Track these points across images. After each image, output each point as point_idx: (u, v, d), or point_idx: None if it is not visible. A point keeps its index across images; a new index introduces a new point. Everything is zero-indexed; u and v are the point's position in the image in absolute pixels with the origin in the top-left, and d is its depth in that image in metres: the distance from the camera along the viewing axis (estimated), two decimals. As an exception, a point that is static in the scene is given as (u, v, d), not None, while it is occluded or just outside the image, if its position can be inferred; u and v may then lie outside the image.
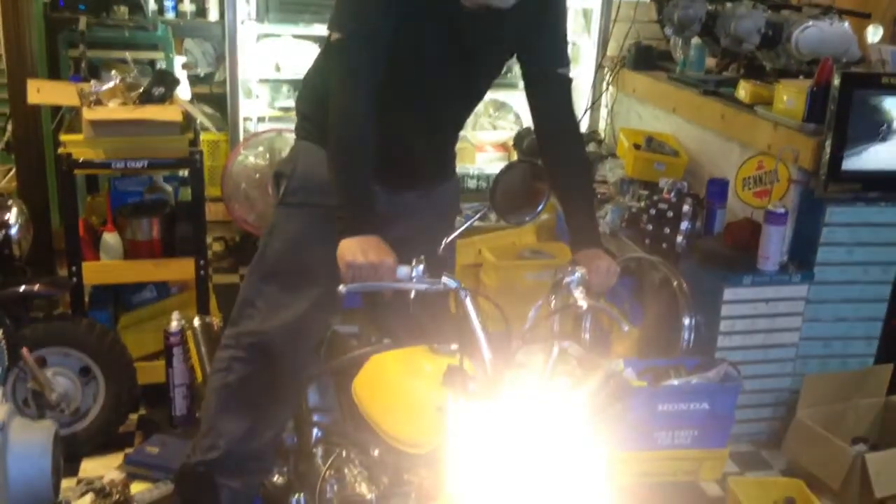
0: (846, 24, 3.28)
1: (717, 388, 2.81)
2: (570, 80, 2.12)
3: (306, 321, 2.05)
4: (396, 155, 2.04)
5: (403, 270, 1.65)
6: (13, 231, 2.71)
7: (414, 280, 1.63)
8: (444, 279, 1.64)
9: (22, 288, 2.75)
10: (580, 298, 1.71)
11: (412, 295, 1.65)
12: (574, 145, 2.10)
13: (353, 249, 1.70)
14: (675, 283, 3.08)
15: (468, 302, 1.62)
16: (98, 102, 2.94)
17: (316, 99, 2.07)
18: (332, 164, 1.87)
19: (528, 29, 2.01)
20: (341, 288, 1.62)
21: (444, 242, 1.82)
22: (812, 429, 2.90)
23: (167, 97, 3.02)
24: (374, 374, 1.77)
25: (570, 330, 3.64)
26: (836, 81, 2.81)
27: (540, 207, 1.88)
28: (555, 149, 2.06)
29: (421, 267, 1.63)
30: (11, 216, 2.72)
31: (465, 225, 1.86)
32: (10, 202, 2.75)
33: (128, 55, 3.18)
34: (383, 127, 1.92)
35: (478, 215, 1.85)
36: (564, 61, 2.08)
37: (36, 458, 1.57)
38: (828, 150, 2.84)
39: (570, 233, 2.00)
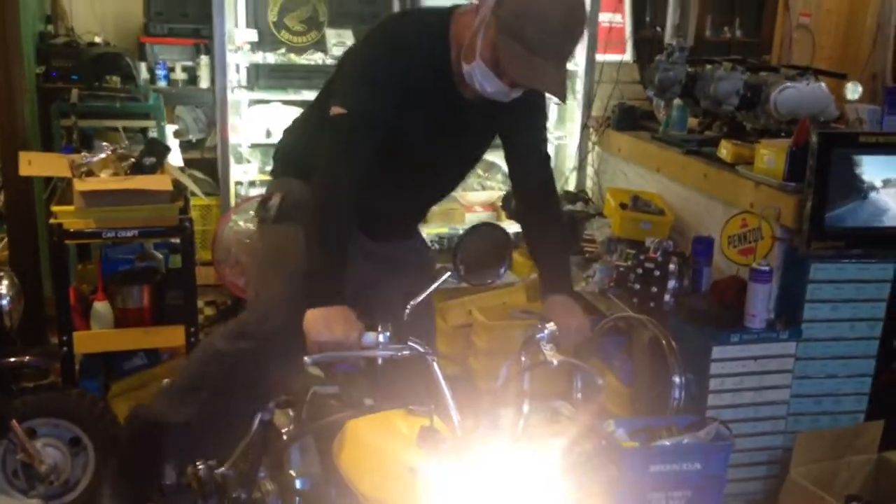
0: (823, 84, 3.35)
1: (708, 448, 2.80)
2: (548, 155, 2.27)
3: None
4: (380, 214, 2.15)
5: (369, 337, 1.66)
6: (4, 302, 2.72)
7: (380, 347, 1.65)
8: (411, 343, 1.66)
9: (12, 359, 2.76)
10: (550, 355, 1.74)
11: (379, 361, 1.67)
12: (551, 208, 2.26)
13: (318, 323, 1.74)
14: (663, 342, 3.10)
15: (435, 366, 1.64)
16: (89, 173, 2.99)
17: (302, 144, 2.24)
18: (311, 230, 1.93)
19: (520, 111, 2.11)
20: (306, 359, 1.64)
21: (409, 306, 1.85)
22: (805, 487, 2.89)
23: (158, 166, 3.07)
24: (352, 436, 1.78)
25: (561, 388, 3.65)
26: (814, 141, 2.87)
27: (503, 270, 1.92)
28: (533, 213, 2.22)
29: (387, 333, 1.65)
30: (3, 287, 2.73)
31: (430, 289, 1.88)
32: (1, 273, 2.76)
33: (119, 125, 3.23)
34: (373, 189, 1.99)
35: (442, 278, 1.88)
36: (545, 137, 2.25)
37: (22, 539, 1.58)
38: (809, 208, 2.88)
39: (541, 279, 2.10)
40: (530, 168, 2.21)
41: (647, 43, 4.80)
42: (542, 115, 2.24)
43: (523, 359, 1.77)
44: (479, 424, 1.61)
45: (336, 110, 1.96)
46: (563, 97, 1.91)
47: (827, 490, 2.87)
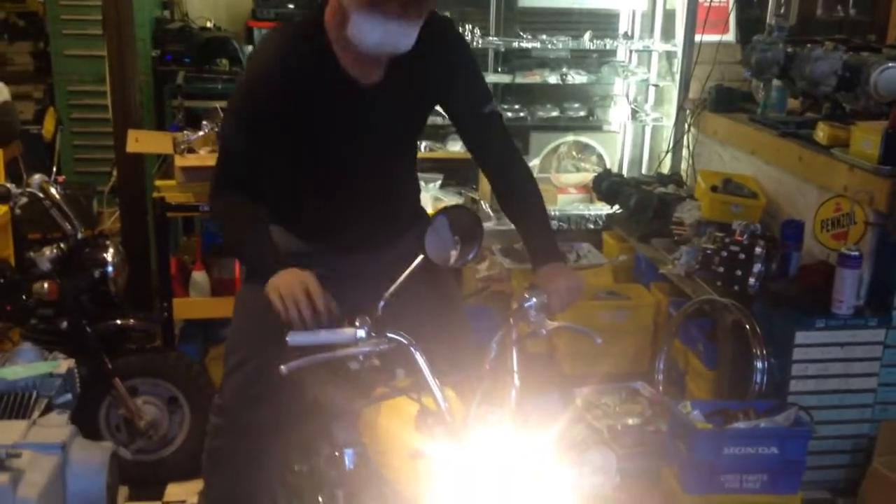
0: (928, 63, 3.21)
1: (786, 433, 2.77)
2: (497, 115, 2.15)
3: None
4: (339, 222, 2.11)
5: (347, 333, 1.60)
6: (110, 269, 2.92)
7: (359, 343, 1.59)
8: (391, 335, 1.61)
9: (117, 322, 2.98)
10: (538, 324, 1.71)
11: (360, 358, 1.64)
12: (517, 172, 2.14)
13: (277, 282, 1.77)
14: (747, 326, 3.07)
15: (417, 355, 1.61)
16: (190, 150, 3.18)
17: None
18: (229, 246, 2.01)
19: (436, 77, 2.05)
20: (282, 367, 1.60)
21: (385, 296, 1.78)
22: (889, 478, 2.81)
23: (253, 144, 3.22)
24: (370, 417, 1.80)
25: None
26: (910, 122, 2.77)
27: (472, 254, 1.85)
28: (500, 179, 2.14)
29: (366, 328, 1.59)
30: (109, 255, 2.94)
31: (403, 275, 1.81)
32: (107, 242, 2.97)
33: (217, 105, 3.42)
34: (318, 203, 2.05)
35: (415, 263, 1.80)
36: (486, 99, 2.12)
37: (93, 475, 1.74)
38: (902, 192, 2.79)
39: (529, 252, 2.04)
40: (479, 132, 2.12)
41: (752, 23, 4.67)
42: (469, 75, 2.12)
43: (514, 331, 1.73)
44: (472, 404, 1.58)
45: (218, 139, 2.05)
46: None
47: (913, 482, 2.79)
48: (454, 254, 1.81)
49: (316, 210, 2.11)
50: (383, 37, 1.85)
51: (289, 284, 1.77)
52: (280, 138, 1.98)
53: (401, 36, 1.86)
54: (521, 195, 2.10)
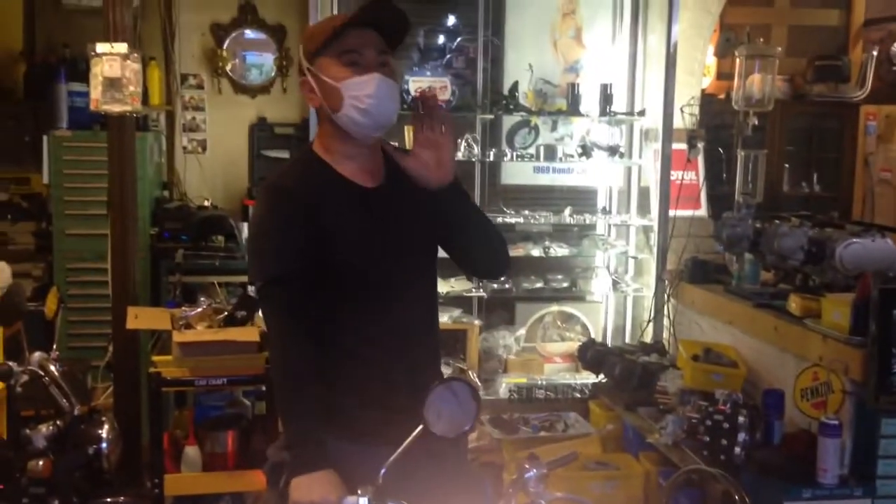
0: (889, 240, 3.40)
1: None
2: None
3: None
4: (386, 398, 2.02)
5: (349, 501, 1.67)
6: (104, 446, 2.94)
7: None
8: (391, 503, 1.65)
9: (108, 500, 2.97)
10: (539, 494, 1.75)
11: None
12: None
13: (300, 489, 1.76)
14: (736, 497, 3.09)
15: None
16: (188, 326, 3.28)
17: None
18: (279, 406, 1.94)
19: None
20: None
21: (385, 465, 1.75)
22: None
23: (248, 319, 3.34)
24: None
25: None
26: (875, 296, 2.92)
27: (469, 426, 1.84)
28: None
29: (367, 497, 1.64)
30: (104, 432, 2.97)
31: (403, 445, 1.79)
32: (103, 419, 3.01)
33: (215, 281, 3.55)
34: (360, 374, 1.98)
35: (413, 435, 1.79)
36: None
37: None
38: (874, 362, 2.90)
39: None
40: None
41: (722, 198, 4.94)
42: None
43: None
44: None
45: (256, 285, 1.99)
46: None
47: None
48: (453, 424, 1.81)
49: (354, 361, 2.01)
50: (376, 89, 1.92)
51: (309, 490, 1.76)
52: (311, 263, 1.95)
53: (386, 89, 1.94)
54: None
